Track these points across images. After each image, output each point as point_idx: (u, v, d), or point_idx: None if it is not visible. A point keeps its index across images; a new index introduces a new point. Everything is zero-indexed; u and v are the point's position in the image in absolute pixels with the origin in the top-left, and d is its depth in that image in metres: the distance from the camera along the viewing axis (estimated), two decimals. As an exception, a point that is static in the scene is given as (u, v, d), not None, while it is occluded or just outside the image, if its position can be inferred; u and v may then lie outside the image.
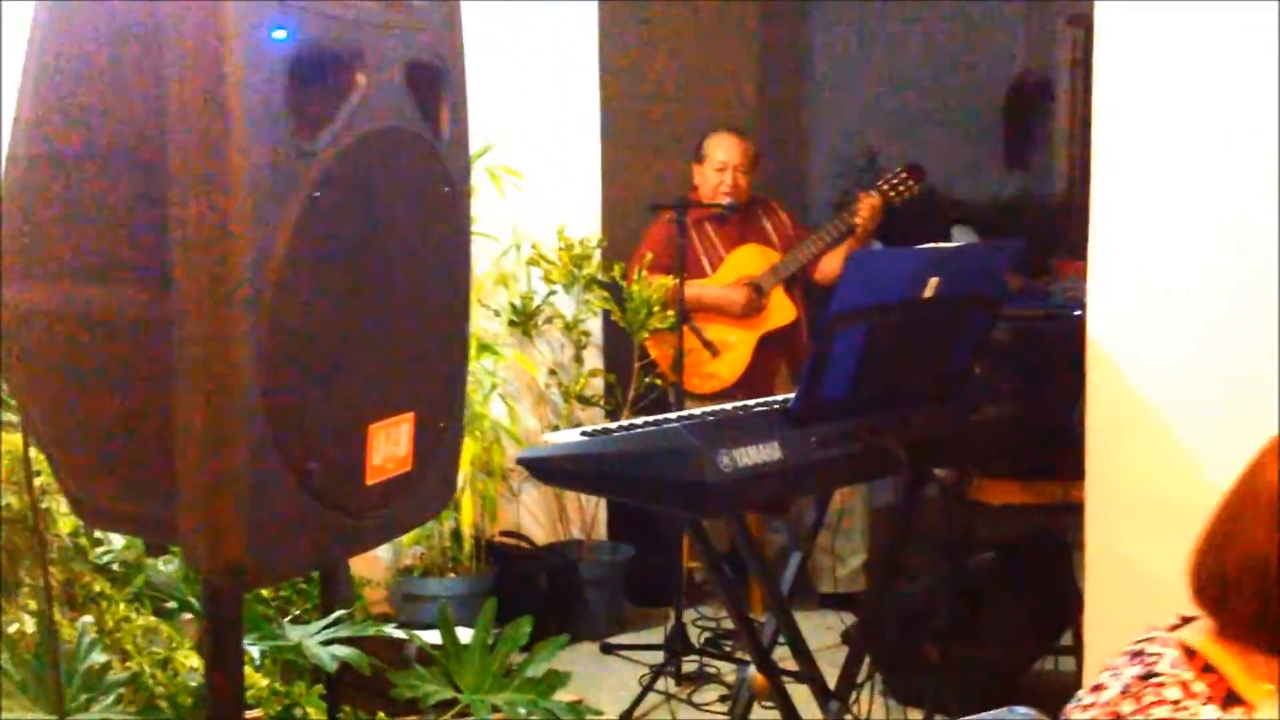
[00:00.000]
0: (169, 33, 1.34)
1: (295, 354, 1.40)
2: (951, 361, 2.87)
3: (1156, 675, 1.56)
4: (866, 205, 4.36)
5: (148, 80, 1.37)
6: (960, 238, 6.43)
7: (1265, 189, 2.77)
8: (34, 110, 1.44)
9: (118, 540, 2.52)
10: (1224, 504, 1.61)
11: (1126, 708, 1.56)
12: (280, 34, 1.38)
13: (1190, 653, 1.57)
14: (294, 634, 2.35)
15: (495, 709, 2.56)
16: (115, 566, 2.55)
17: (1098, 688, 1.62)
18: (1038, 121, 8.35)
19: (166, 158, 1.35)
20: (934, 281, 2.69)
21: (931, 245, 2.82)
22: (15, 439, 2.09)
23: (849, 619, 3.94)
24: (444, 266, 1.68)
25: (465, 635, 2.73)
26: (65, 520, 2.38)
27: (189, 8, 1.33)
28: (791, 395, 2.68)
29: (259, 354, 1.35)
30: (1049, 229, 7.36)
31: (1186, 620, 1.63)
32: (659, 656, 4.03)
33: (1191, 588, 1.60)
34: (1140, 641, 1.63)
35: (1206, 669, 1.55)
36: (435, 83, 1.64)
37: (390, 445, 1.54)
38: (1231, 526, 1.59)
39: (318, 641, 2.25)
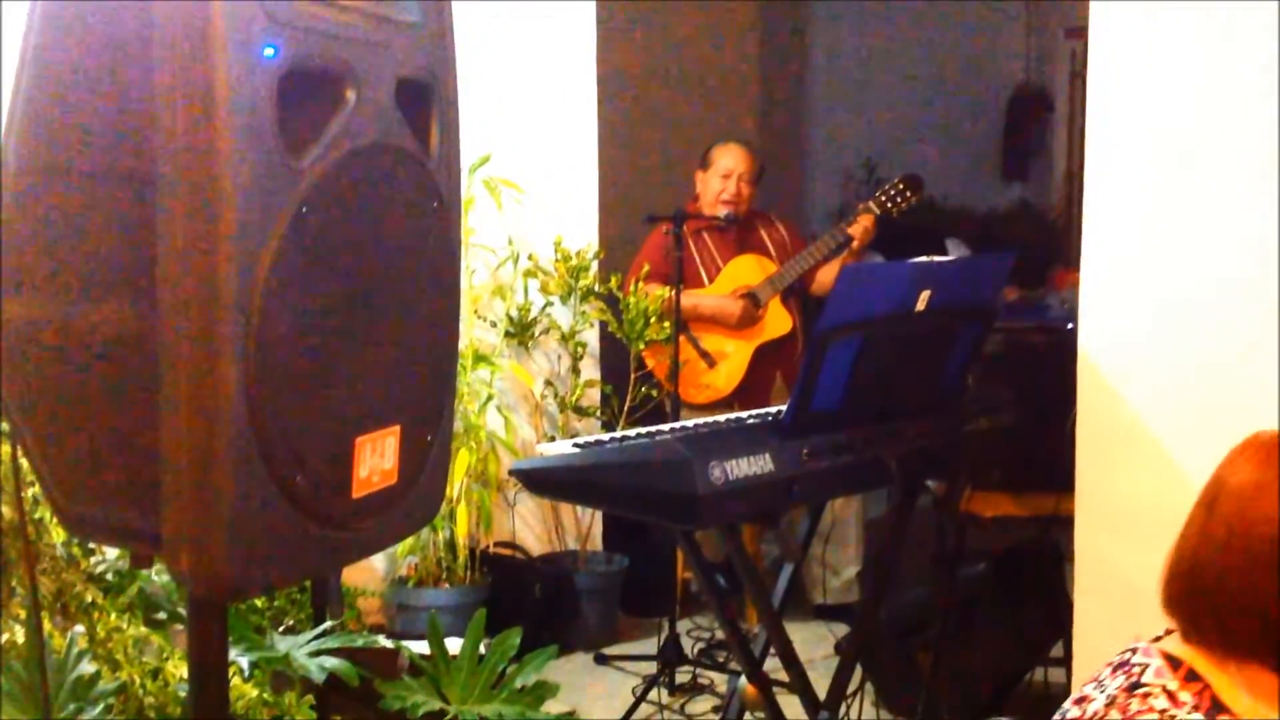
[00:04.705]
0: (159, 49, 1.35)
1: (281, 368, 1.40)
2: (944, 374, 2.88)
3: (1142, 685, 1.56)
4: (861, 220, 4.39)
5: (138, 96, 1.38)
6: (953, 250, 6.45)
7: (1259, 202, 2.78)
8: (24, 123, 1.45)
9: (111, 550, 2.53)
10: (1190, 516, 1.62)
11: (1113, 718, 1.56)
12: (269, 51, 1.39)
13: (1174, 662, 1.58)
14: (283, 645, 2.36)
15: (484, 720, 2.57)
16: (108, 576, 2.56)
17: (1082, 700, 1.63)
18: (1036, 133, 8.37)
19: (155, 173, 1.36)
20: (926, 294, 2.71)
21: (924, 258, 2.84)
22: (4, 449, 2.10)
23: (842, 630, 3.95)
24: (433, 281, 1.68)
25: (457, 646, 2.74)
26: (58, 530, 2.39)
27: (179, 24, 1.34)
28: (784, 407, 2.70)
29: (245, 368, 1.36)
30: (1046, 240, 7.38)
31: (1171, 631, 1.63)
32: (653, 667, 4.03)
33: (1163, 600, 1.61)
34: (1124, 653, 1.64)
35: (1191, 677, 1.56)
36: (425, 98, 1.64)
37: (376, 458, 1.54)
38: (1196, 538, 1.60)
39: (306, 653, 2.26)
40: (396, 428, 1.58)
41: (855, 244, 4.38)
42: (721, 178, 4.56)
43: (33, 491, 2.24)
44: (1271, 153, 2.76)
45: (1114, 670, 1.62)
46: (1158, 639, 1.63)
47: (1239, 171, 2.81)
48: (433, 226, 1.66)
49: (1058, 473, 3.08)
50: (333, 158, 1.45)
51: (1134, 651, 1.62)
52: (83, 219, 1.42)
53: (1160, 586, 1.62)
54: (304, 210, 1.41)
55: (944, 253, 6.43)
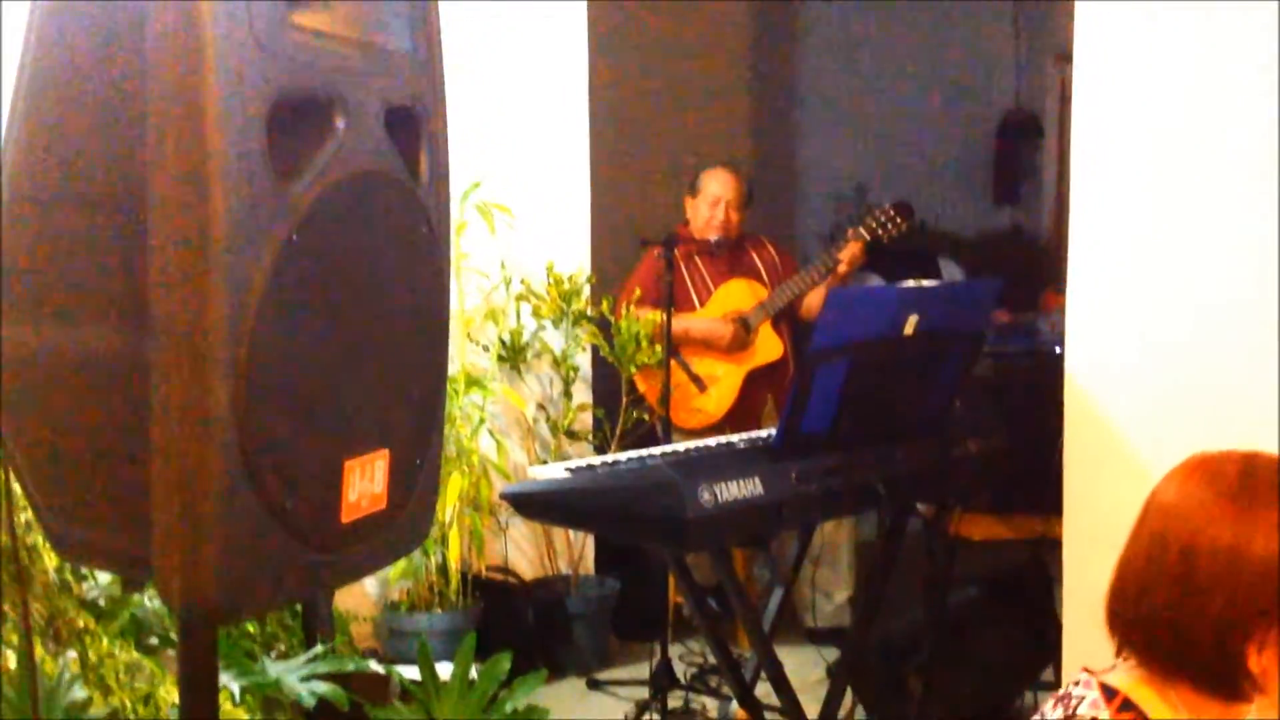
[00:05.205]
0: (150, 78, 1.37)
1: (271, 393, 1.42)
2: (932, 397, 2.90)
3: (1075, 717, 1.56)
4: (849, 248, 4.40)
5: (130, 123, 1.39)
6: (946, 270, 6.47)
7: (1246, 224, 2.80)
8: (17, 150, 1.47)
9: (103, 575, 2.54)
10: (1129, 539, 1.62)
11: None
12: (260, 79, 1.41)
13: (1110, 692, 1.57)
14: (273, 670, 2.36)
15: (475, 744, 2.57)
16: (101, 602, 2.56)
17: None
18: (1027, 157, 8.41)
19: (146, 200, 1.38)
20: (914, 319, 2.73)
21: (911, 283, 2.86)
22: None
23: (834, 654, 3.94)
24: (423, 306, 1.70)
25: (449, 670, 2.74)
26: (50, 555, 2.39)
27: (170, 52, 1.36)
28: (774, 431, 2.71)
29: (235, 393, 1.37)
30: (1037, 263, 7.41)
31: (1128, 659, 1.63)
32: (645, 691, 4.03)
33: (1105, 619, 1.62)
34: (1070, 684, 1.64)
35: (1125, 707, 1.55)
36: (415, 126, 1.66)
37: (365, 482, 1.55)
38: (1126, 555, 1.60)
39: (297, 677, 2.27)
40: (385, 451, 1.59)
41: (842, 269, 4.39)
42: (710, 205, 4.58)
43: (25, 516, 2.25)
44: (1258, 174, 2.78)
45: (1055, 702, 1.61)
46: (1110, 668, 1.63)
47: (1225, 194, 2.84)
48: (422, 252, 1.67)
49: (1047, 495, 3.09)
50: (323, 185, 1.47)
51: (1077, 683, 1.62)
52: (75, 244, 1.44)
53: (1105, 616, 1.62)
54: (294, 237, 1.43)
55: (938, 273, 6.47)
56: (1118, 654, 1.60)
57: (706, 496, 2.41)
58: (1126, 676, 1.58)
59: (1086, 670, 1.63)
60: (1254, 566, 1.48)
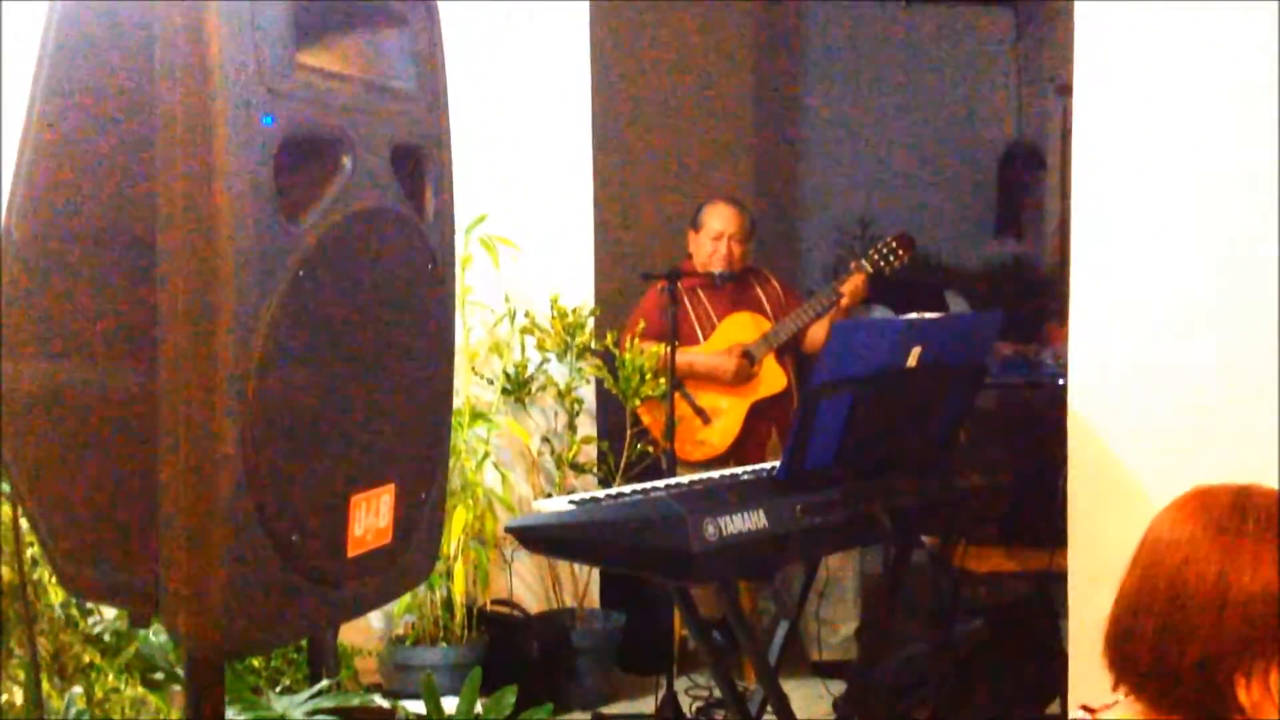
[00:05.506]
0: (160, 117, 1.39)
1: (279, 428, 1.43)
2: (936, 429, 2.91)
3: None
4: (851, 280, 4.42)
5: (138, 162, 1.41)
6: (952, 303, 6.48)
7: (1245, 257, 2.82)
8: (28, 188, 1.48)
9: (109, 611, 2.54)
10: (1125, 572, 1.63)
11: None
12: (268, 119, 1.42)
13: None
14: (279, 704, 2.36)
15: (480, 778, 2.57)
16: (106, 637, 2.56)
17: None
18: (1029, 189, 8.44)
19: (155, 238, 1.39)
20: (916, 351, 2.74)
21: (914, 316, 2.87)
22: (5, 510, 2.12)
23: (840, 687, 3.94)
24: (428, 341, 1.71)
25: (454, 705, 2.74)
26: (56, 590, 2.40)
27: (180, 92, 1.38)
28: (778, 463, 2.72)
29: (243, 429, 1.38)
30: (1040, 295, 7.43)
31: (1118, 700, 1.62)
32: (651, 726, 4.02)
33: (1103, 656, 1.61)
34: None
35: None
36: (420, 163, 1.68)
37: (371, 517, 1.56)
38: (1121, 588, 1.60)
39: (302, 712, 2.27)
40: (391, 486, 1.60)
41: (844, 302, 4.41)
42: (712, 239, 4.60)
43: (32, 552, 2.25)
44: (1259, 204, 2.80)
45: None
46: (1109, 705, 1.62)
47: (1226, 225, 2.85)
48: (428, 288, 1.69)
49: (1051, 527, 3.09)
50: (329, 222, 1.49)
51: None
52: (84, 283, 1.45)
53: (1104, 652, 1.62)
54: (301, 274, 1.44)
55: (944, 306, 6.48)
56: (1114, 688, 1.60)
57: (711, 530, 2.41)
58: (1124, 714, 1.58)
59: (1084, 708, 1.63)
60: (1241, 598, 1.48)
